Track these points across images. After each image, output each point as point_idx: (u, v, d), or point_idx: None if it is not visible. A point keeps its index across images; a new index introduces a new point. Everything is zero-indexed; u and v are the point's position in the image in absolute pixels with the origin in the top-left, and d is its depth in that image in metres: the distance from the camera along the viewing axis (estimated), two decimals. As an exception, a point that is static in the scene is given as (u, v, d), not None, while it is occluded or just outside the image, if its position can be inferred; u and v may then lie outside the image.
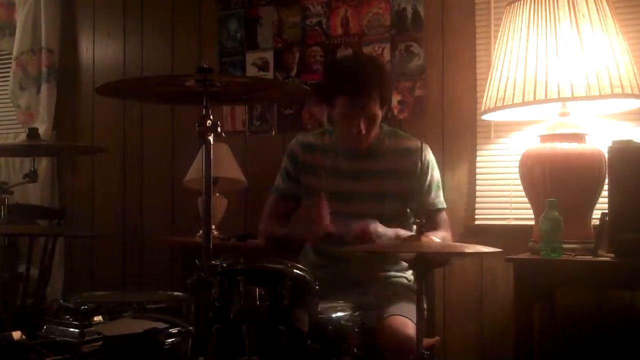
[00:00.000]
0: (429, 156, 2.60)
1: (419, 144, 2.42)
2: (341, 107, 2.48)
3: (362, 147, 2.54)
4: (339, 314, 2.04)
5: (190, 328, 1.88)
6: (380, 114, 2.52)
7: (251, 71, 3.87)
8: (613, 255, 2.51)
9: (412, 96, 3.51)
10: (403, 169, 2.55)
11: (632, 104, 2.86)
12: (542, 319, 2.80)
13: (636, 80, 2.75)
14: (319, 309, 1.99)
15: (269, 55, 3.85)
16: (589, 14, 2.74)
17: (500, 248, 2.03)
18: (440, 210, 2.61)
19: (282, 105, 3.79)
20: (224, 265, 1.91)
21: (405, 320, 2.24)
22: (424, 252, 1.94)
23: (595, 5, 2.76)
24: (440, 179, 2.63)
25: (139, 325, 1.91)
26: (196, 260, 1.86)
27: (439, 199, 2.61)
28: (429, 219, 2.55)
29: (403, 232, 2.39)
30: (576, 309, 3.03)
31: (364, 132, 2.48)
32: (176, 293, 2.25)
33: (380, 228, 2.39)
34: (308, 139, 2.69)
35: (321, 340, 1.93)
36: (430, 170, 2.58)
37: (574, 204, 2.68)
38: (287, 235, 2.51)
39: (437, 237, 2.45)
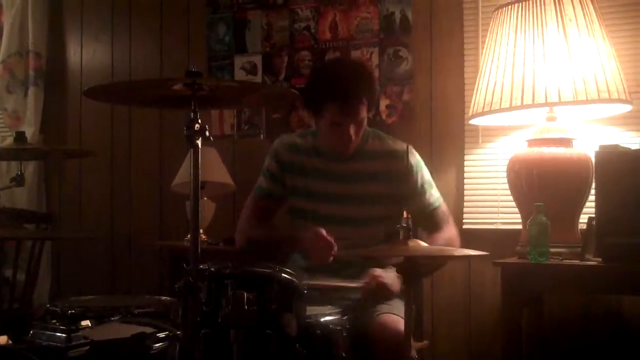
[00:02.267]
0: (415, 158, 2.59)
1: (404, 147, 2.42)
2: (331, 114, 2.46)
3: (349, 152, 2.54)
4: (328, 318, 2.03)
5: (178, 333, 1.88)
6: (365, 118, 2.52)
7: (239, 75, 3.87)
8: (600, 259, 2.52)
9: (401, 101, 3.52)
10: (389, 171, 2.54)
11: (619, 108, 2.87)
12: (530, 323, 2.81)
13: (622, 85, 2.77)
14: (307, 313, 1.99)
15: (258, 59, 3.85)
16: (576, 19, 2.76)
17: (488, 252, 2.03)
18: (437, 207, 2.61)
19: (271, 109, 3.79)
20: (212, 269, 1.91)
21: (396, 317, 2.24)
22: (413, 256, 1.95)
23: (582, 10, 2.78)
24: (430, 177, 2.62)
25: (127, 330, 1.90)
26: (184, 265, 1.85)
27: (434, 197, 2.60)
28: (430, 220, 2.56)
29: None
30: (563, 313, 3.05)
31: (353, 138, 2.48)
32: (164, 297, 2.24)
33: (382, 272, 2.36)
34: (293, 139, 2.68)
35: (309, 345, 1.93)
36: (418, 171, 2.57)
37: (561, 208, 2.70)
38: (276, 245, 2.51)
39: (440, 240, 2.47)
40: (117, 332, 1.91)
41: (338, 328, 2.02)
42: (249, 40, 3.88)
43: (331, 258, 2.34)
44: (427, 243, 2.09)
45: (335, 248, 2.33)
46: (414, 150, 2.60)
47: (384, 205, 2.53)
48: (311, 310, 2.02)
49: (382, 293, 2.33)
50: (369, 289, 2.32)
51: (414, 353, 1.94)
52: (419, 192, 2.57)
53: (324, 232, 2.34)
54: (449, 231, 2.57)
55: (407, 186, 2.54)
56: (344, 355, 1.99)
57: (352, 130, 2.46)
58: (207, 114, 3.80)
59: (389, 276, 2.34)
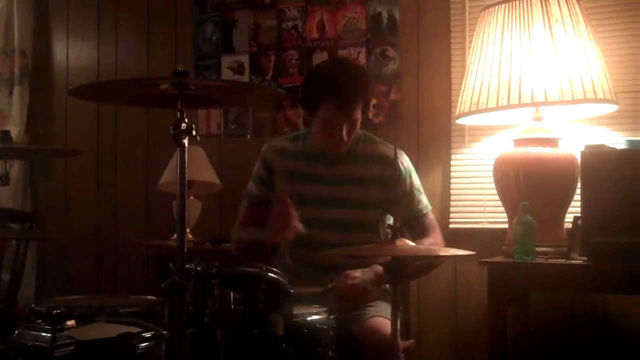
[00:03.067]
0: (406, 163, 2.60)
1: (395, 151, 2.42)
2: (325, 112, 2.46)
3: (341, 152, 2.54)
4: (314, 317, 2.03)
5: (164, 332, 1.87)
6: (358, 119, 2.52)
7: (227, 74, 3.86)
8: (585, 258, 2.54)
9: (388, 100, 3.53)
10: (380, 176, 2.54)
11: (605, 108, 2.89)
12: (516, 321, 2.82)
13: (608, 86, 2.79)
14: (294, 312, 1.99)
15: (245, 59, 3.85)
16: (562, 19, 2.77)
17: (474, 252, 2.03)
18: (425, 214, 2.62)
19: (258, 109, 3.79)
20: (198, 269, 1.90)
21: (385, 321, 2.24)
22: (399, 256, 1.95)
23: (569, 10, 2.79)
24: (419, 183, 2.63)
25: (112, 330, 1.89)
26: (170, 264, 1.85)
27: (422, 203, 2.61)
28: (417, 226, 2.57)
29: (379, 268, 2.36)
30: (549, 311, 3.06)
31: (345, 138, 2.48)
32: (150, 297, 2.23)
33: (358, 273, 2.35)
34: (282, 144, 2.67)
35: (296, 344, 1.93)
36: (408, 177, 2.58)
37: (547, 207, 2.71)
38: (259, 241, 2.50)
39: (425, 243, 2.48)
40: (102, 332, 1.89)
41: (325, 327, 2.01)
42: (236, 39, 3.87)
43: (291, 235, 2.33)
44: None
45: (298, 224, 2.32)
46: (404, 155, 2.61)
47: (374, 210, 2.54)
48: (298, 309, 2.02)
49: (353, 296, 2.33)
50: (340, 292, 2.32)
51: (400, 353, 1.94)
52: (408, 197, 2.57)
53: (288, 205, 2.34)
54: (435, 238, 2.58)
55: (397, 191, 2.54)
56: (330, 354, 1.99)
57: (345, 130, 2.46)
58: (194, 114, 3.79)
59: (364, 278, 2.34)
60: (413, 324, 3.14)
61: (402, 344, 1.98)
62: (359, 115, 2.49)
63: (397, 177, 2.53)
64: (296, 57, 3.74)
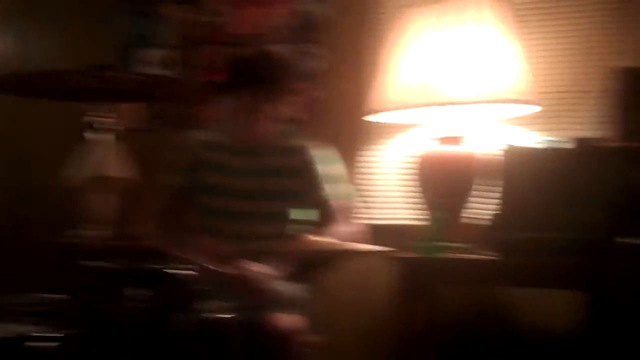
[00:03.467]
0: (313, 152, 2.62)
1: (308, 143, 2.45)
2: (244, 100, 2.49)
3: (261, 143, 2.56)
4: (223, 314, 2.03)
5: (70, 331, 1.85)
6: (279, 110, 2.53)
7: (151, 69, 3.81)
8: (497, 253, 2.60)
9: (308, 97, 3.54)
10: (291, 166, 2.57)
11: (527, 109, 2.94)
12: (425, 317, 2.87)
13: (531, 87, 2.84)
14: (203, 309, 1.99)
15: (171, 53, 3.81)
16: (487, 19, 2.82)
17: (387, 247, 2.06)
18: (337, 201, 2.62)
19: (182, 104, 3.76)
20: (107, 266, 1.89)
21: (291, 318, 2.26)
22: (309, 252, 1.97)
23: (494, 10, 2.83)
24: (336, 173, 2.64)
25: (11, 330, 1.86)
26: (78, 261, 1.83)
27: (336, 192, 2.63)
28: (325, 214, 2.59)
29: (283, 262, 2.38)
30: (459, 307, 3.11)
31: (263, 128, 2.50)
32: (57, 295, 2.20)
33: (255, 267, 2.37)
34: (202, 135, 2.69)
35: (205, 342, 1.93)
36: (314, 166, 2.60)
37: (459, 204, 2.77)
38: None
39: (336, 235, 2.48)
40: (4, 332, 1.86)
41: (233, 325, 2.02)
42: (162, 33, 3.83)
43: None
44: (324, 237, 2.11)
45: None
46: (314, 147, 2.62)
47: (290, 201, 2.56)
48: (207, 306, 2.02)
49: (243, 284, 2.33)
50: (237, 279, 2.33)
51: (308, 348, 1.96)
52: (313, 186, 2.59)
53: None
54: (348, 226, 2.60)
55: (304, 181, 2.56)
56: (238, 351, 2.00)
57: (263, 119, 2.48)
58: (116, 107, 3.72)
59: (260, 271, 2.35)
60: (323, 318, 3.14)
61: (310, 339, 2.00)
62: (278, 105, 2.50)
63: (303, 167, 2.55)
64: (223, 52, 3.72)
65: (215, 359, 1.95)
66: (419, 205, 2.90)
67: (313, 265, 2.00)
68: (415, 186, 2.89)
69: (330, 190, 2.62)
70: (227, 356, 1.97)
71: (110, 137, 1.89)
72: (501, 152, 2.63)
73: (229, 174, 2.59)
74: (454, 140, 2.85)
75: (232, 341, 1.99)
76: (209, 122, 3.66)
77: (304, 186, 2.57)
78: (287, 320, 2.26)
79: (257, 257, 2.40)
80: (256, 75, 2.48)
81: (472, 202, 2.90)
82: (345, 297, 3.34)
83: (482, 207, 2.89)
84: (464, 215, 2.85)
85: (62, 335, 1.85)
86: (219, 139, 2.65)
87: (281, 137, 2.63)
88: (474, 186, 2.83)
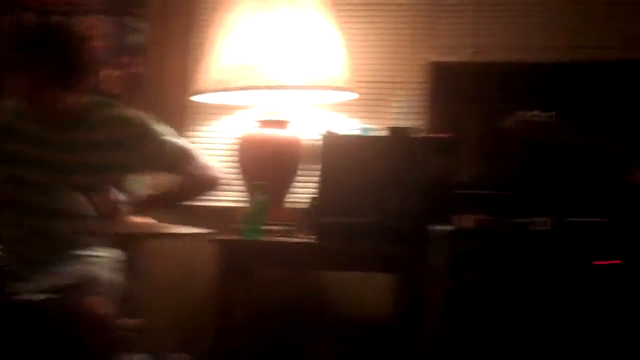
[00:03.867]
0: (143, 117, 2.53)
1: (133, 112, 2.39)
2: (30, 74, 2.38)
3: (65, 116, 2.44)
4: (34, 296, 1.93)
5: None
6: (78, 84, 2.43)
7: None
8: (315, 237, 2.66)
9: (129, 72, 3.42)
10: (121, 138, 2.48)
11: (345, 96, 3.02)
12: (244, 298, 2.89)
13: (349, 75, 2.92)
14: (14, 291, 1.88)
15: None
16: (310, 6, 2.85)
17: (211, 229, 2.05)
18: (175, 148, 2.55)
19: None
20: None
21: (104, 300, 2.18)
22: (128, 233, 1.92)
23: (319, -1, 2.85)
24: (164, 128, 2.57)
25: None
26: None
27: (171, 142, 2.55)
28: (169, 163, 2.52)
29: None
30: (277, 288, 3.16)
31: (59, 101, 2.40)
32: None
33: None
34: (9, 103, 2.53)
35: (14, 325, 1.83)
36: (150, 128, 2.52)
37: (280, 187, 2.82)
38: None
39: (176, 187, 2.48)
40: None
41: (45, 307, 1.92)
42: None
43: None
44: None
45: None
46: (140, 112, 2.55)
47: (118, 173, 2.48)
48: (18, 288, 1.91)
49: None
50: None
51: (124, 331, 1.91)
52: (159, 147, 2.51)
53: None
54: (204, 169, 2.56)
55: (146, 148, 2.49)
56: (51, 335, 1.91)
57: (40, 91, 2.38)
58: None
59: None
60: (142, 300, 3.07)
61: (127, 322, 1.95)
62: (73, 78, 2.40)
63: (137, 137, 2.48)
64: (33, 20, 3.49)
65: (24, 343, 1.85)
66: (244, 188, 2.90)
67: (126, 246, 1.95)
68: (241, 168, 2.89)
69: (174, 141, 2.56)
70: (37, 340, 1.87)
71: None
72: (320, 138, 2.69)
73: (37, 146, 2.45)
74: (279, 124, 2.87)
75: (43, 324, 1.89)
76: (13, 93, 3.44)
77: (143, 155, 2.48)
78: (101, 302, 2.18)
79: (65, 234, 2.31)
80: (35, 47, 2.38)
81: (297, 186, 2.95)
82: (166, 280, 3.27)
83: (305, 191, 2.94)
84: (287, 199, 2.89)
85: None
86: (24, 109, 2.51)
87: (99, 109, 2.52)
88: (298, 170, 2.88)
